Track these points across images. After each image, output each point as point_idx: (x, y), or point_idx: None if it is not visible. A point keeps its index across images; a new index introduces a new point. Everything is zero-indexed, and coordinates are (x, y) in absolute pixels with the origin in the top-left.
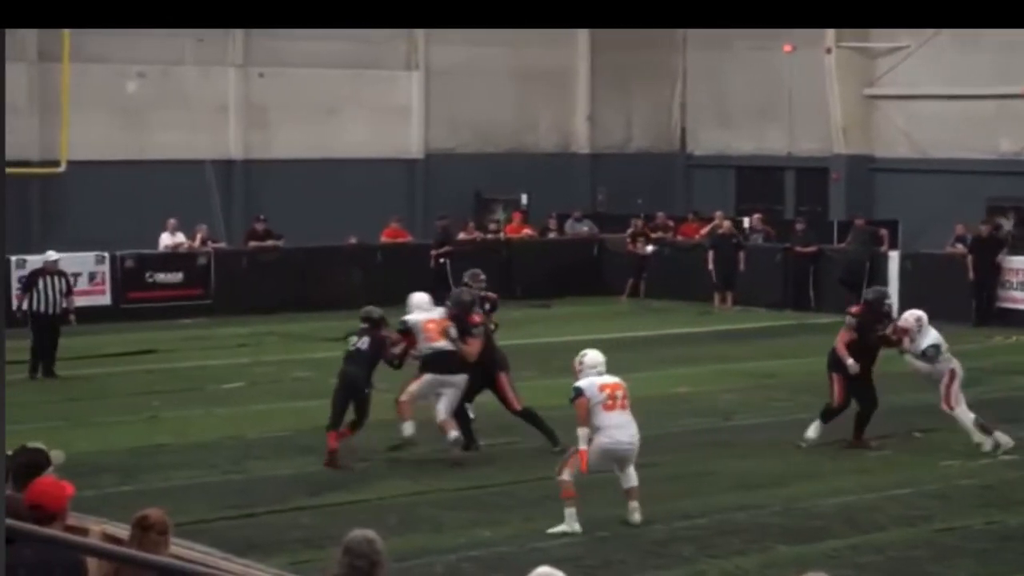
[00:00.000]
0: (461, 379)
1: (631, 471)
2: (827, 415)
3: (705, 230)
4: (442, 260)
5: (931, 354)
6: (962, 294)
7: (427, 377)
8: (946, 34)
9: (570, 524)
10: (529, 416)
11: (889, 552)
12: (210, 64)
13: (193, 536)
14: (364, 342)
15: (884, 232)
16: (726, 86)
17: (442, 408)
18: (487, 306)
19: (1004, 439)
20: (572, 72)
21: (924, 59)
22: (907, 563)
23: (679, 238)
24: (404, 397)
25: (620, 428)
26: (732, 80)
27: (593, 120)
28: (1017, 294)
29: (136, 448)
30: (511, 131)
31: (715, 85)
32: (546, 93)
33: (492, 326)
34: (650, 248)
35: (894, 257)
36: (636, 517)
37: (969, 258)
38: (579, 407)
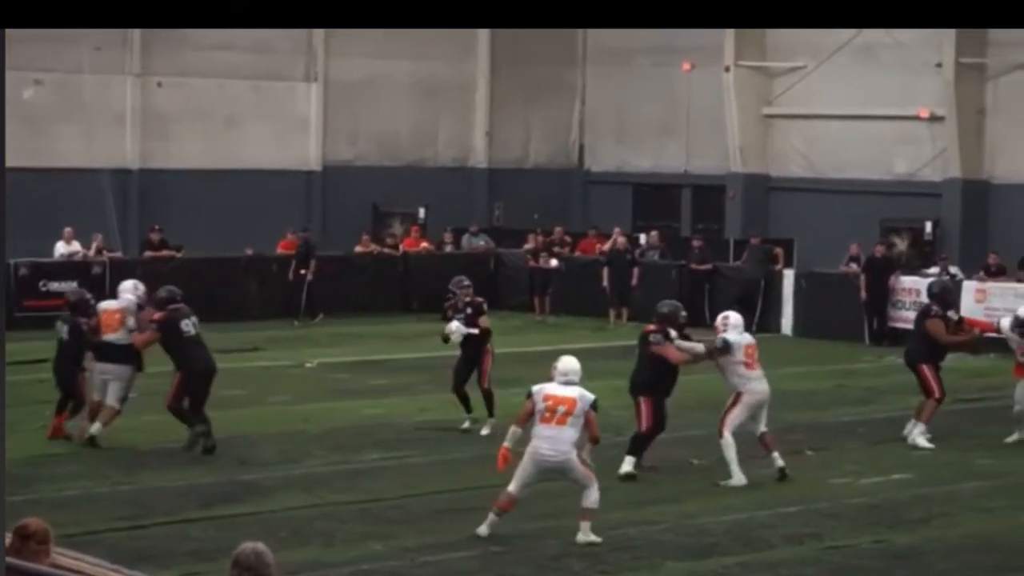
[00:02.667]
0: (123, 370)
1: (589, 492)
2: (638, 443)
3: (606, 246)
4: (303, 273)
5: (720, 345)
6: (856, 314)
7: (95, 366)
8: (844, 55)
9: (483, 527)
10: (488, 396)
11: (779, 570)
12: (108, 73)
13: (83, 547)
14: (65, 330)
15: (779, 251)
16: (625, 103)
17: (109, 398)
18: (469, 310)
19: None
20: (471, 87)
21: (822, 79)
22: None
23: (577, 254)
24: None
25: (545, 439)
26: (631, 97)
27: (492, 135)
28: (909, 314)
29: (29, 458)
30: (410, 144)
31: (614, 102)
32: (445, 107)
33: (475, 331)
34: (554, 262)
35: (789, 276)
36: (579, 537)
37: (862, 278)
38: (524, 406)
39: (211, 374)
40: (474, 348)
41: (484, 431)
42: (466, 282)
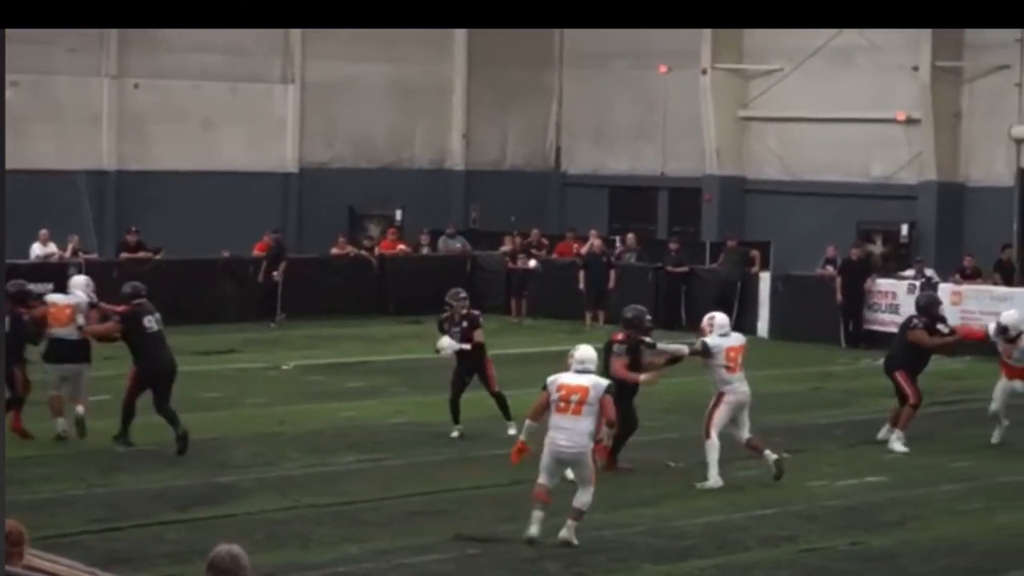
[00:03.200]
0: (81, 368)
1: (583, 493)
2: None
3: (584, 249)
4: (274, 275)
5: (699, 348)
6: (832, 316)
7: (47, 367)
8: (820, 57)
9: (532, 527)
10: (501, 399)
11: (754, 572)
12: (84, 74)
13: (58, 549)
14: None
15: (756, 253)
16: (601, 105)
17: (76, 392)
18: (465, 324)
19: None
20: (448, 89)
21: (798, 82)
22: None
23: (554, 256)
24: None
25: (561, 431)
26: (607, 99)
27: (468, 137)
28: (885, 316)
29: None
30: (386, 146)
31: (591, 104)
32: (422, 109)
33: (467, 347)
34: (533, 263)
35: (765, 278)
36: (561, 533)
37: (838, 280)
38: (538, 399)
39: (169, 373)
40: (472, 358)
41: (511, 431)
42: (463, 294)
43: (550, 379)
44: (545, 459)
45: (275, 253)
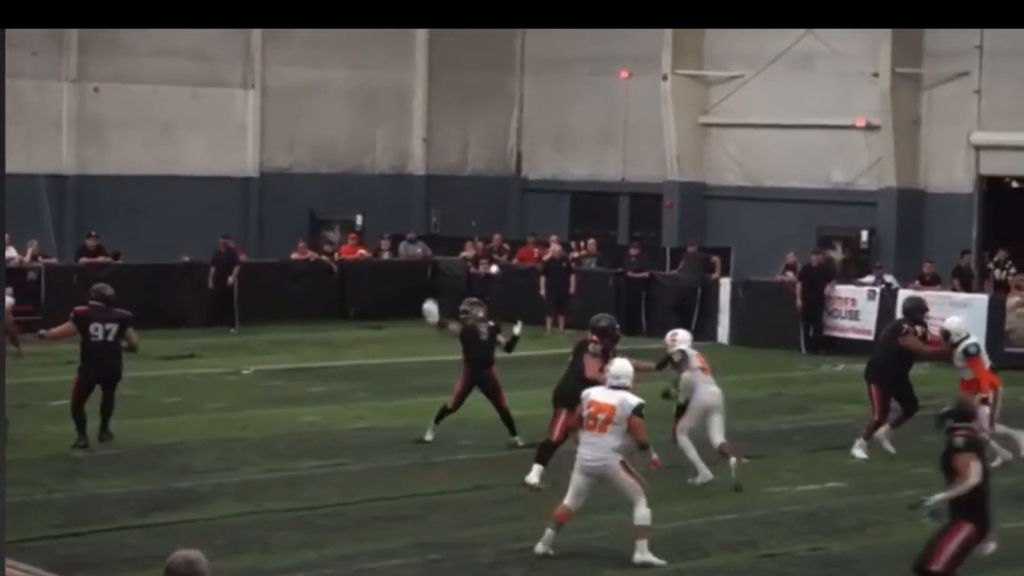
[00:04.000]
0: None
1: (636, 509)
2: (546, 451)
3: (547, 255)
4: (229, 281)
5: (678, 359)
6: (792, 322)
7: None
8: (780, 63)
9: (540, 544)
10: (508, 415)
11: None
12: (45, 78)
13: (18, 555)
14: None
15: (716, 259)
16: (563, 111)
17: None
18: (488, 328)
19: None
20: (409, 94)
21: (758, 88)
22: None
23: (515, 261)
24: None
25: (587, 446)
26: (569, 105)
27: (429, 142)
28: (845, 323)
29: None
30: (347, 151)
31: (552, 109)
32: (383, 114)
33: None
34: (494, 268)
35: (726, 284)
36: (635, 556)
37: (798, 286)
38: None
39: (108, 379)
40: (485, 371)
41: (519, 441)
42: (478, 304)
43: (584, 393)
44: (574, 477)
45: (226, 259)
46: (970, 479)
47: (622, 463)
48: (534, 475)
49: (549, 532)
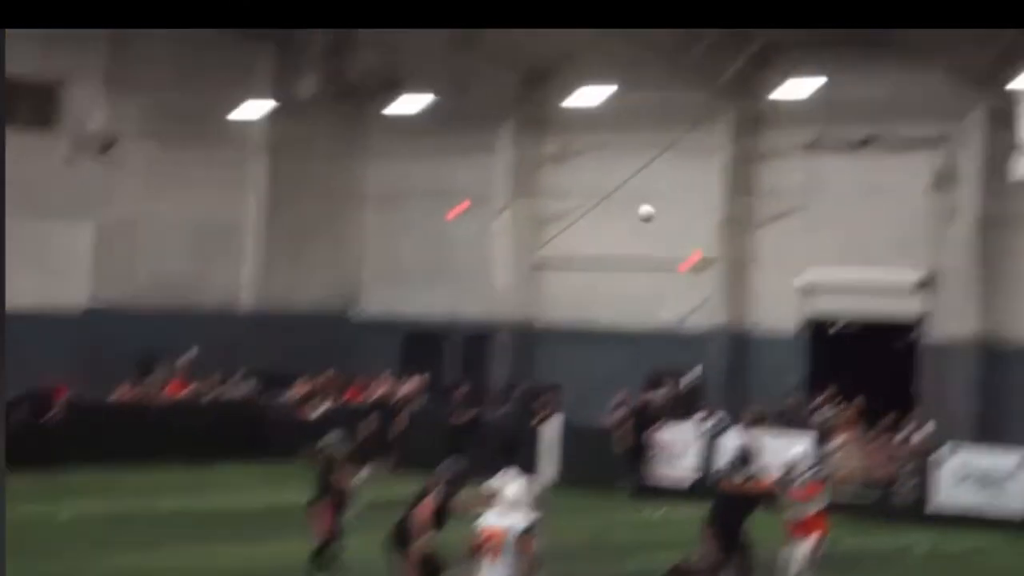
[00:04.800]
0: None
1: None
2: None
3: (375, 395)
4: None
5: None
6: (618, 465)
7: None
8: (613, 201)
9: None
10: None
11: None
12: None
13: None
14: None
15: (546, 399)
16: (398, 245)
17: None
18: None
19: None
20: (243, 227)
21: (591, 226)
22: None
23: (345, 399)
24: None
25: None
26: (404, 239)
27: (263, 277)
28: (669, 468)
29: None
30: (180, 287)
31: (387, 244)
32: (216, 248)
33: None
34: (323, 409)
35: (554, 424)
36: None
37: (627, 426)
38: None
39: None
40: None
41: None
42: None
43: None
44: None
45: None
46: None
47: None
48: None
49: None
